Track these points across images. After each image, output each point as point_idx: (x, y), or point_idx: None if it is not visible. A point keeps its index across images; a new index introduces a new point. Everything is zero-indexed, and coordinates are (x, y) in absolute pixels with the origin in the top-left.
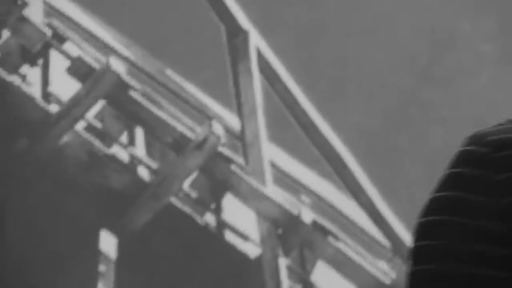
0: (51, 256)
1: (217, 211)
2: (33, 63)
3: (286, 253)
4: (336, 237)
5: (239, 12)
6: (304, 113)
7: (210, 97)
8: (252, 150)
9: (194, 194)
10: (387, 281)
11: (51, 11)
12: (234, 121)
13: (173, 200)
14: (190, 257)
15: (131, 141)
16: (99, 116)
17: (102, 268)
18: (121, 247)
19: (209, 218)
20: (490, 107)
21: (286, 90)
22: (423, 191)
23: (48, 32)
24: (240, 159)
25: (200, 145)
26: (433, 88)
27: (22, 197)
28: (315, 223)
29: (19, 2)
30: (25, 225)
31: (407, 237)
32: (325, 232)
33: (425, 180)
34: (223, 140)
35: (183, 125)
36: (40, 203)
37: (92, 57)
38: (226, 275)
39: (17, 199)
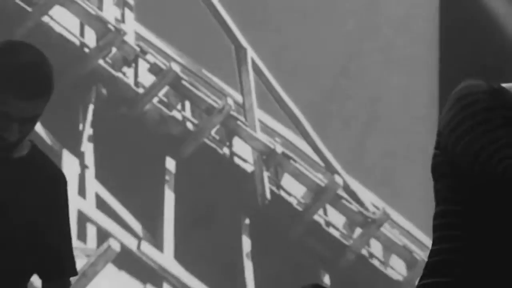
0: (134, 171)
1: (230, 146)
2: (129, 66)
3: (267, 169)
4: (294, 160)
5: (240, 35)
6: (278, 94)
7: (225, 83)
8: (249, 113)
9: (217, 137)
10: (322, 184)
11: (138, 36)
12: (239, 97)
13: (206, 140)
14: (215, 172)
15: (183, 109)
16: (166, 95)
17: (167, 178)
18: (177, 167)
19: (225, 150)
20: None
21: (267, 80)
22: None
23: (137, 48)
24: (242, 118)
25: (220, 110)
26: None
27: (122, 139)
28: (283, 153)
29: (122, 33)
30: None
31: (333, 160)
32: (288, 157)
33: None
34: (233, 107)
35: (211, 99)
36: (130, 144)
37: (161, 62)
38: (234, 182)
39: (118, 142)
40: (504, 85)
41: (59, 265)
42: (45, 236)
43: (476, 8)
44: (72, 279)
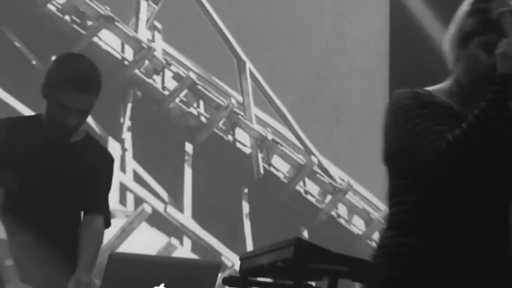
0: (162, 152)
1: (233, 134)
2: (158, 74)
3: (261, 152)
4: (281, 145)
5: (241, 51)
6: (269, 95)
7: (230, 88)
8: (247, 110)
9: (223, 128)
10: (302, 163)
11: (164, 52)
12: (240, 98)
13: (215, 130)
14: (222, 153)
15: (198, 106)
16: (185, 96)
17: (186, 158)
18: (194, 150)
19: (229, 137)
20: None
21: (261, 85)
22: None
23: (164, 61)
24: (242, 113)
25: (226, 107)
26: None
27: (152, 129)
28: (273, 139)
29: (152, 49)
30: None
31: (310, 145)
32: (277, 142)
33: None
34: (235, 105)
35: (219, 99)
36: (158, 132)
37: (182, 72)
38: (236, 161)
39: (149, 131)
40: (429, 88)
41: (98, 207)
42: (95, 198)
43: (416, 31)
44: (115, 235)
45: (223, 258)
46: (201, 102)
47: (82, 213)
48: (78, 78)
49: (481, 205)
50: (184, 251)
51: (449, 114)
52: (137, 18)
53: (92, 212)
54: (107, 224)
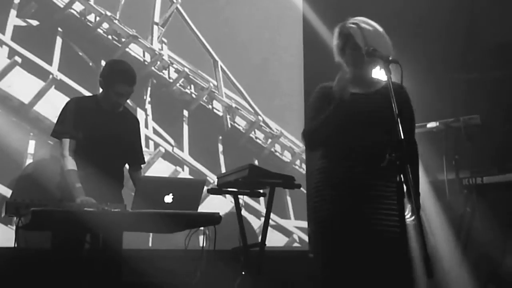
0: (169, 116)
1: (211, 104)
2: (166, 70)
3: (229, 114)
4: (240, 109)
5: (213, 53)
6: (232, 80)
7: (209, 77)
8: (219, 89)
9: (205, 101)
10: (253, 120)
11: (169, 56)
12: (215, 82)
13: (201, 102)
14: (205, 116)
15: (190, 88)
16: (182, 82)
17: (184, 119)
18: (189, 114)
19: (209, 106)
20: None
21: (228, 75)
22: None
23: (169, 62)
24: (217, 91)
25: (207, 88)
26: None
27: (163, 102)
28: (235, 107)
29: (162, 55)
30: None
31: (257, 108)
32: (238, 108)
33: None
34: (213, 87)
35: (203, 83)
36: (167, 104)
37: (180, 67)
38: (213, 121)
39: (162, 103)
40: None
41: (140, 158)
42: (132, 146)
43: (322, 44)
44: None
45: (207, 177)
46: (192, 86)
47: (128, 157)
48: (126, 75)
49: (363, 143)
50: (184, 174)
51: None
52: (152, 36)
53: (138, 164)
54: (143, 162)
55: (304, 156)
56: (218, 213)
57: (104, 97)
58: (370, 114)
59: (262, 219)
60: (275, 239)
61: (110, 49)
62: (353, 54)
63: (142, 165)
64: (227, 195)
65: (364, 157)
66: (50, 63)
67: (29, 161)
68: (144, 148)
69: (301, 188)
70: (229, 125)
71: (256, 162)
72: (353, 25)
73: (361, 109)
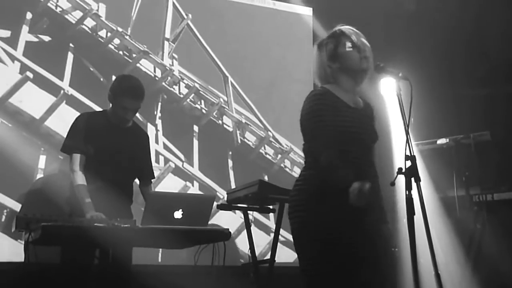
0: (180, 131)
1: (222, 120)
2: (176, 85)
3: (238, 130)
4: (250, 125)
5: (224, 69)
6: (242, 96)
7: (220, 92)
8: (229, 105)
9: (216, 116)
10: (263, 136)
11: (180, 72)
12: (225, 98)
13: (211, 117)
14: (215, 131)
15: (201, 104)
16: (193, 98)
17: (194, 134)
18: (199, 130)
19: (219, 121)
20: None
21: (238, 91)
22: None
23: (179, 77)
24: (227, 107)
25: (217, 104)
26: None
27: (174, 118)
28: (245, 122)
29: (172, 70)
30: None
31: (267, 125)
32: (247, 124)
33: None
34: (223, 103)
35: (213, 99)
36: (177, 119)
37: (190, 83)
38: (223, 136)
39: (172, 119)
40: (326, 85)
41: (150, 173)
42: (142, 161)
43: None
44: (153, 181)
45: (217, 193)
46: (202, 101)
47: (137, 172)
48: (132, 90)
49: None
50: (194, 189)
51: None
52: (163, 52)
53: (147, 179)
54: (153, 177)
55: None
56: (228, 229)
57: (112, 112)
58: (365, 132)
59: (272, 235)
60: (284, 255)
61: (121, 65)
62: (352, 53)
63: (152, 180)
64: (237, 211)
65: (363, 176)
66: (61, 78)
67: (39, 176)
68: (154, 163)
69: None
70: (239, 141)
71: (265, 178)
72: (348, 28)
73: (360, 128)
